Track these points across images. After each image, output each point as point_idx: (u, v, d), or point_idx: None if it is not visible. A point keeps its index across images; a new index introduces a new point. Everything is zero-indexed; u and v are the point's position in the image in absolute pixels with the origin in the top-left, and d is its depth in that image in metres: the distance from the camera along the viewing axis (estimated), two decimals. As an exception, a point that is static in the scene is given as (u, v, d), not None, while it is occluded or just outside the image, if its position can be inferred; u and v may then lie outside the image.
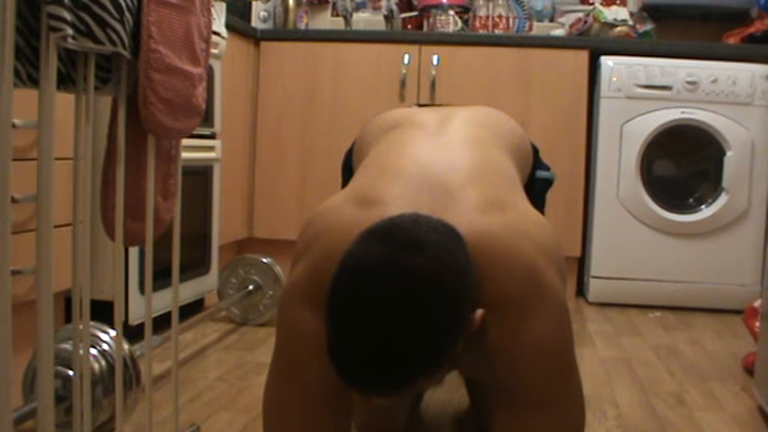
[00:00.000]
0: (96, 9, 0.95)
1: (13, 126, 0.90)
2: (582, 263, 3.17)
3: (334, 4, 3.67)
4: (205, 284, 2.47)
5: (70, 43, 0.91)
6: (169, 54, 1.09)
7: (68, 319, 1.93)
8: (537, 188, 1.52)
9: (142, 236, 1.17)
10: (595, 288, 3.02)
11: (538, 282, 1.05)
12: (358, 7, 3.68)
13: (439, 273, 0.92)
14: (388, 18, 3.47)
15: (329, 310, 0.94)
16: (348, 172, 1.56)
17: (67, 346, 1.33)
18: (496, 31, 3.40)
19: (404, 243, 0.93)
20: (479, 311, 0.99)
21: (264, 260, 2.45)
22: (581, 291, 3.20)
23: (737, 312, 2.72)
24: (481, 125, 1.38)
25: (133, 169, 1.15)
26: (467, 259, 0.97)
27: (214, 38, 2.28)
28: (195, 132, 1.99)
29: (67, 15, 0.90)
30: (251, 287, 2.44)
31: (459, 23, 3.41)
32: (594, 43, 3.09)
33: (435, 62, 3.10)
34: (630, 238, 2.97)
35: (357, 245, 0.96)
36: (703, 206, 2.97)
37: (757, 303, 2.09)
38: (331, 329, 0.94)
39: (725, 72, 2.92)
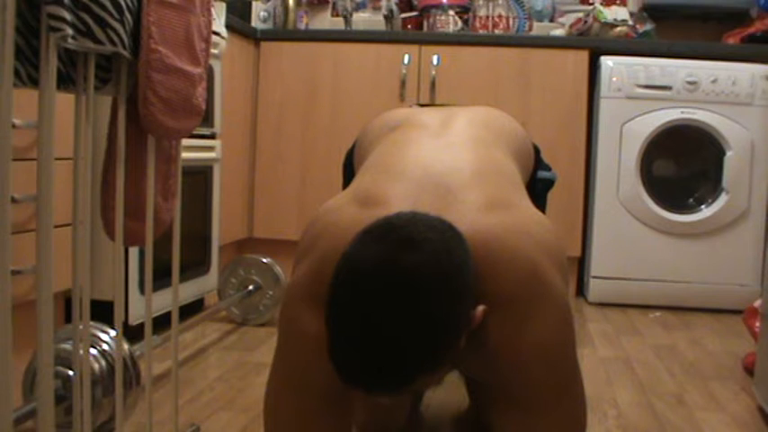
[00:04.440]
0: (96, 9, 0.95)
1: (13, 126, 0.90)
2: (582, 263, 3.17)
3: (334, 4, 3.67)
4: (205, 284, 2.47)
5: (70, 43, 0.91)
6: (169, 54, 1.09)
7: (68, 319, 1.93)
8: (538, 188, 1.52)
9: (142, 236, 1.17)
10: (595, 288, 3.02)
11: (540, 282, 1.05)
12: (358, 7, 3.68)
13: (435, 269, 0.92)
14: (388, 18, 3.47)
15: (328, 311, 0.95)
16: (349, 172, 1.57)
17: (67, 346, 1.33)
18: (496, 31, 3.40)
19: (399, 241, 0.93)
20: (480, 308, 0.99)
21: (264, 260, 2.45)
22: (581, 291, 3.20)
23: (737, 312, 2.72)
24: (483, 126, 1.38)
25: (133, 169, 1.15)
26: (465, 256, 0.97)
27: (214, 38, 2.28)
28: (195, 132, 1.99)
29: (67, 15, 0.90)
30: (251, 287, 2.44)
31: (459, 23, 3.41)
32: (594, 43, 3.09)
33: (435, 62, 3.10)
34: (630, 238, 2.97)
35: (354, 245, 0.96)
36: (703, 206, 2.97)
37: (757, 303, 2.09)
38: (330, 330, 0.94)
39: (725, 72, 2.92)
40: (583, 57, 3.06)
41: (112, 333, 1.40)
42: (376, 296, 0.90)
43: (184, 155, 1.99)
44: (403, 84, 3.12)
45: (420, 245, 0.93)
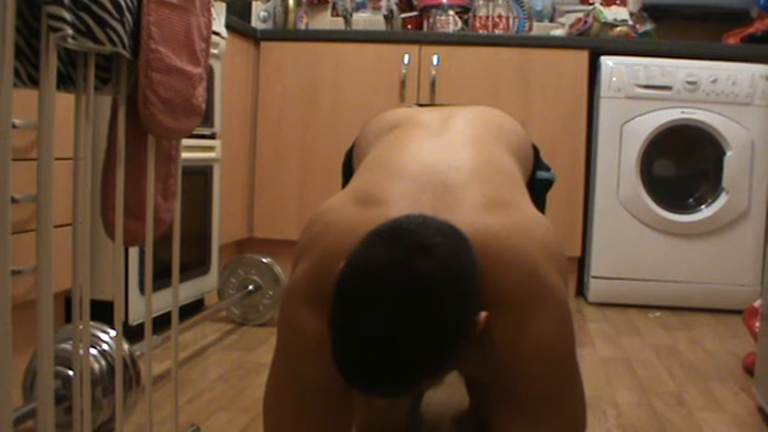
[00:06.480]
0: (96, 9, 0.95)
1: (13, 126, 0.90)
2: (582, 263, 3.17)
3: (334, 4, 3.67)
4: (205, 284, 2.47)
5: (70, 43, 0.91)
6: (169, 54, 1.09)
7: (68, 319, 1.93)
8: (537, 189, 1.52)
9: (142, 236, 1.17)
10: (595, 288, 3.02)
11: (539, 282, 1.04)
12: (358, 7, 3.68)
13: (445, 276, 0.91)
14: (388, 18, 3.47)
15: (334, 312, 0.94)
16: (348, 172, 1.56)
17: (67, 346, 1.33)
18: (496, 31, 3.40)
19: (411, 246, 0.92)
20: (483, 314, 0.99)
21: (264, 260, 2.45)
22: (581, 291, 3.20)
23: (737, 312, 2.72)
24: (483, 124, 1.38)
25: (133, 169, 1.15)
26: (473, 262, 0.97)
27: (214, 38, 2.28)
28: (195, 132, 1.99)
29: (67, 15, 0.90)
30: (251, 287, 2.44)
31: (459, 23, 3.41)
32: (594, 43, 3.09)
33: (435, 62, 3.10)
34: (630, 238, 2.97)
35: (363, 247, 0.95)
36: (703, 206, 2.97)
37: (757, 303, 2.09)
38: (335, 331, 0.93)
39: (725, 72, 2.92)
40: (583, 57, 3.06)
41: (112, 333, 1.40)
42: (386, 299, 0.90)
43: (184, 155, 1.99)
44: (403, 84, 3.12)
45: (432, 250, 0.92)
